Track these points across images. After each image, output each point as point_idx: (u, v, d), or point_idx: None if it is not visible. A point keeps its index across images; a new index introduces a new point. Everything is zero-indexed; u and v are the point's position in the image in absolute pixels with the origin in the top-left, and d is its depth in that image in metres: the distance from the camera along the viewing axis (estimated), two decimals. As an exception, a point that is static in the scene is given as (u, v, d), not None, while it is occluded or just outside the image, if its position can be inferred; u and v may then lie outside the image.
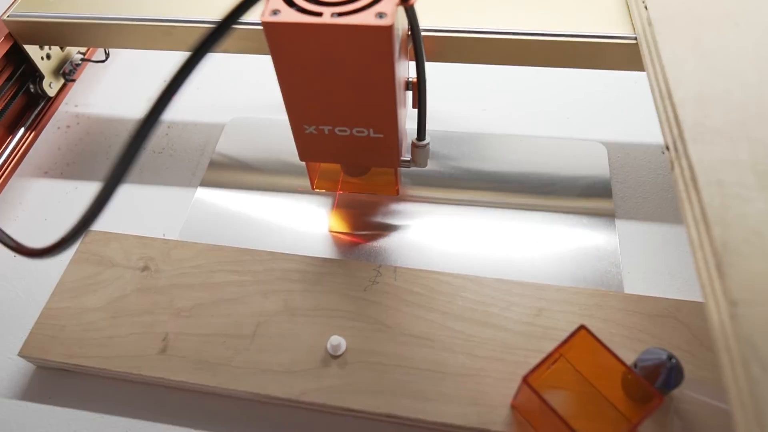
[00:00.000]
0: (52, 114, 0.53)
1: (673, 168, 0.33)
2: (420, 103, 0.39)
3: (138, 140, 0.26)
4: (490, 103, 0.55)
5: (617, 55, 0.42)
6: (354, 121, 0.37)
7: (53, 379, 0.40)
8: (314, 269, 0.42)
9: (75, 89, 0.58)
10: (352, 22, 0.31)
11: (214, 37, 0.25)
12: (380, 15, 0.31)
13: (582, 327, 0.33)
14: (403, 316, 0.39)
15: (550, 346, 0.37)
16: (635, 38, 0.41)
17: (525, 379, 0.31)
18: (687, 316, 0.38)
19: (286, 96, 0.36)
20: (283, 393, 0.36)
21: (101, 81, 0.60)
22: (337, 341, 0.37)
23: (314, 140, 0.39)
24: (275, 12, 0.32)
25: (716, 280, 0.27)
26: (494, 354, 0.37)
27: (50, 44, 0.49)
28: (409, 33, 0.36)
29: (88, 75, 0.60)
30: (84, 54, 0.55)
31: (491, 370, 0.37)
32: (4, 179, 0.48)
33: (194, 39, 0.45)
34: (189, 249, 0.43)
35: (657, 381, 0.32)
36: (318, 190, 0.48)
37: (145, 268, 0.43)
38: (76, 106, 0.58)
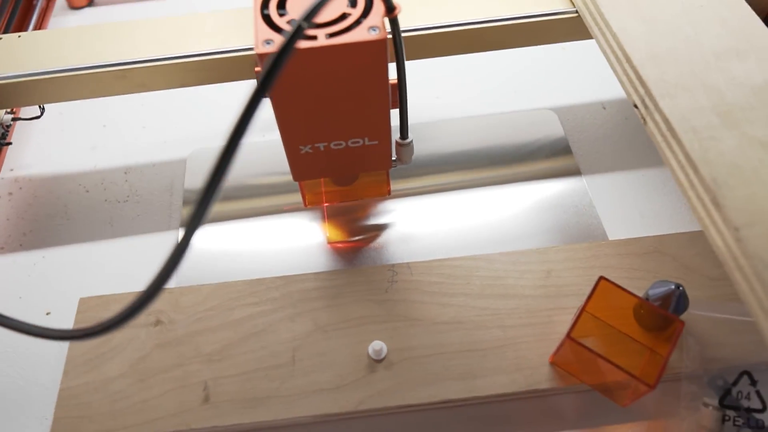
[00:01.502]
0: (-6, 184, 0.49)
1: (646, 122, 0.37)
2: (401, 103, 0.41)
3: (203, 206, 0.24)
4: (441, 90, 0.58)
5: (561, 29, 0.46)
6: (350, 133, 0.38)
7: (89, 460, 0.38)
8: (331, 283, 0.43)
9: (9, 153, 0.54)
10: (348, 40, 0.32)
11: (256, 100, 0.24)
12: (373, 29, 0.32)
13: (601, 278, 0.37)
14: (429, 307, 0.41)
15: (567, 302, 0.41)
16: (576, 11, 0.45)
17: (569, 336, 0.35)
18: (669, 248, 0.43)
19: (281, 120, 0.36)
20: (341, 408, 0.37)
21: (36, 139, 0.55)
22: (379, 346, 0.39)
23: (309, 159, 0.40)
24: (268, 42, 0.32)
25: (714, 213, 0.32)
26: (522, 321, 0.40)
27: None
28: (393, 37, 0.37)
29: (21, 135, 0.55)
30: (12, 113, 0.51)
31: (524, 335, 0.40)
32: (-36, 266, 0.44)
33: (150, 79, 0.44)
34: (197, 293, 0.42)
35: (670, 308, 0.37)
36: (308, 206, 0.48)
37: (158, 323, 0.41)
38: (11, 170, 0.53)
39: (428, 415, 0.39)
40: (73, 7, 0.68)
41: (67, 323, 0.43)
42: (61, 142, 0.55)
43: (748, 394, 0.36)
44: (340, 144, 0.39)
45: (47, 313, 0.44)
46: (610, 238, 0.46)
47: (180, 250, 0.24)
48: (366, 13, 0.33)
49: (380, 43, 0.32)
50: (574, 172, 0.51)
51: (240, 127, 0.24)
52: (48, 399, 0.40)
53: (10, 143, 0.50)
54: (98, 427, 0.37)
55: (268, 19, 0.33)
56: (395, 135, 0.43)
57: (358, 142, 0.39)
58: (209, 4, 0.68)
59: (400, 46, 0.37)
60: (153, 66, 0.43)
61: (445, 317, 0.41)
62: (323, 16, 0.32)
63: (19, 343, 0.43)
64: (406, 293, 0.42)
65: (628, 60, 0.38)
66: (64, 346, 0.42)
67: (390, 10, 0.33)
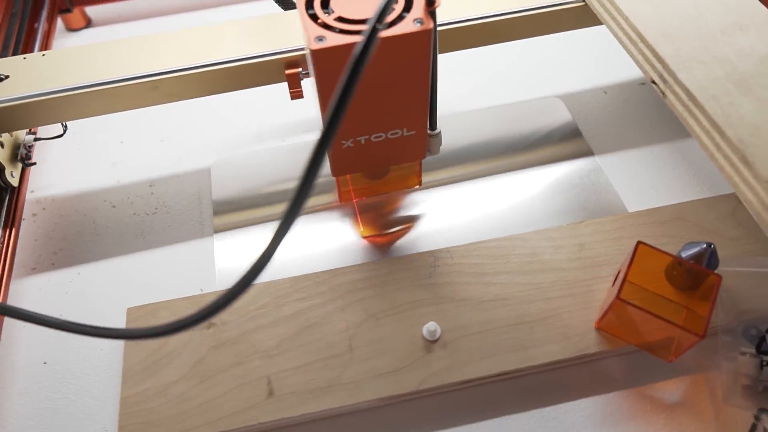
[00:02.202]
0: (23, 205, 0.49)
1: (665, 96, 0.40)
2: (432, 95, 0.43)
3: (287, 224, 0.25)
4: (450, 84, 0.60)
5: (569, 18, 0.49)
6: (391, 125, 0.40)
7: (155, 466, 0.38)
8: (376, 273, 0.44)
9: (33, 173, 0.53)
10: (396, 32, 0.34)
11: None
12: (417, 21, 0.34)
13: (639, 242, 0.39)
14: (474, 287, 0.43)
15: (603, 272, 0.43)
16: (584, 0, 0.48)
17: (618, 298, 0.37)
18: (688, 214, 0.46)
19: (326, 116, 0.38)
20: (403, 389, 0.38)
21: (48, 159, 0.55)
22: (433, 327, 0.40)
23: (349, 153, 0.41)
24: (320, 38, 0.34)
25: (744, 170, 0.34)
26: (563, 292, 0.42)
27: (14, 129, 0.45)
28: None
29: (43, 155, 0.55)
30: (33, 133, 0.51)
31: (567, 305, 0.42)
32: (5, 287, 0.43)
33: (180, 88, 0.44)
34: (246, 293, 0.43)
35: (703, 266, 0.39)
36: (334, 204, 0.50)
37: (211, 325, 0.41)
38: (32, 192, 0.53)
39: (485, 389, 0.40)
40: (71, 29, 0.68)
41: (115, 335, 0.43)
42: (79, 160, 0.55)
43: (782, 339, 0.39)
44: (380, 136, 0.40)
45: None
46: (629, 211, 0.49)
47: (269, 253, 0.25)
48: (408, 7, 0.35)
49: (426, 34, 0.34)
50: (587, 153, 0.53)
51: (331, 124, 0.25)
52: (104, 410, 0.40)
53: (34, 163, 0.50)
54: (166, 431, 0.37)
55: (314, 18, 0.35)
56: (424, 127, 0.45)
57: (396, 133, 0.40)
58: (204, 19, 0.69)
59: (435, 39, 0.39)
60: (183, 75, 0.44)
61: (490, 295, 0.42)
62: (369, 12, 0.34)
63: (68, 360, 0.43)
64: (450, 276, 0.43)
65: (643, 40, 0.41)
66: (113, 358, 0.42)
67: (430, 3, 0.35)
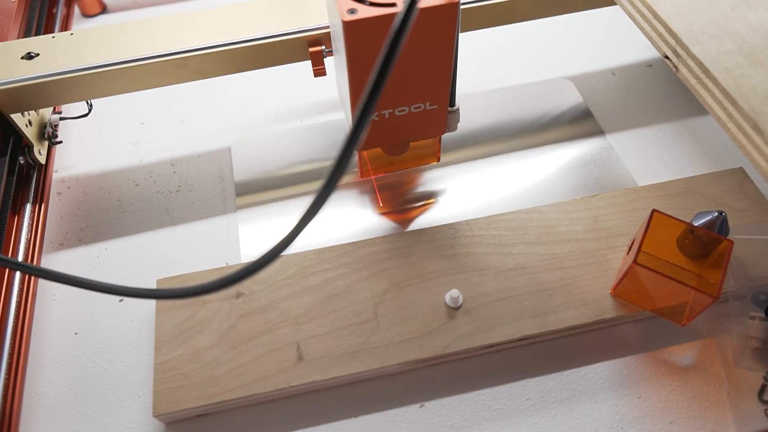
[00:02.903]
0: (50, 182, 0.50)
1: (678, 70, 0.41)
2: (453, 72, 0.44)
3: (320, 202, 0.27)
4: (469, 66, 0.61)
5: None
6: (415, 98, 0.41)
7: (191, 429, 0.39)
8: (398, 245, 0.45)
9: (58, 152, 0.54)
10: (426, 4, 0.35)
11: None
12: (445, -6, 0.35)
13: (654, 211, 0.41)
14: (494, 257, 0.44)
15: (617, 242, 0.45)
16: (596, -19, 0.49)
17: (635, 263, 0.38)
18: (697, 187, 0.48)
19: (354, 89, 0.39)
20: (429, 353, 0.40)
21: (72, 139, 0.56)
22: (456, 294, 0.41)
23: (373, 127, 0.42)
24: (352, 11, 0.35)
25: (756, 138, 0.36)
26: (580, 262, 0.44)
27: (43, 106, 0.46)
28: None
29: (67, 133, 0.56)
30: (58, 113, 0.52)
31: (583, 274, 0.43)
32: (38, 261, 0.44)
33: (208, 65, 0.45)
34: (271, 265, 0.44)
35: (715, 232, 0.41)
36: (353, 181, 0.51)
37: (239, 295, 0.43)
38: (56, 171, 0.54)
39: (507, 354, 0.42)
40: (87, 15, 0.69)
41: (141, 307, 0.44)
42: (101, 141, 0.56)
43: (790, 303, 0.40)
44: (404, 110, 0.42)
45: (120, 300, 0.45)
46: (640, 185, 0.50)
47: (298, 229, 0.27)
48: (434, -19, 0.36)
49: (454, 7, 0.35)
50: (597, 132, 0.55)
51: (374, 92, 0.26)
52: (136, 378, 0.41)
53: (60, 142, 0.51)
54: (201, 393, 0.38)
55: (345, -9, 0.36)
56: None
57: (420, 107, 0.42)
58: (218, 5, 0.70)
59: (458, 16, 0.41)
60: (210, 53, 0.45)
61: (510, 264, 0.44)
62: (397, -14, 0.35)
63: (99, 330, 0.44)
64: (470, 247, 0.45)
65: (656, 16, 0.43)
66: (143, 328, 0.44)
67: (455, -23, 0.36)
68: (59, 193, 0.52)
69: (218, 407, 0.39)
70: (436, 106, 0.42)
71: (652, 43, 0.44)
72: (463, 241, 0.45)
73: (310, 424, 0.39)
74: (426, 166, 0.52)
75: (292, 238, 0.28)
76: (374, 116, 0.41)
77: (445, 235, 0.46)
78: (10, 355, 0.40)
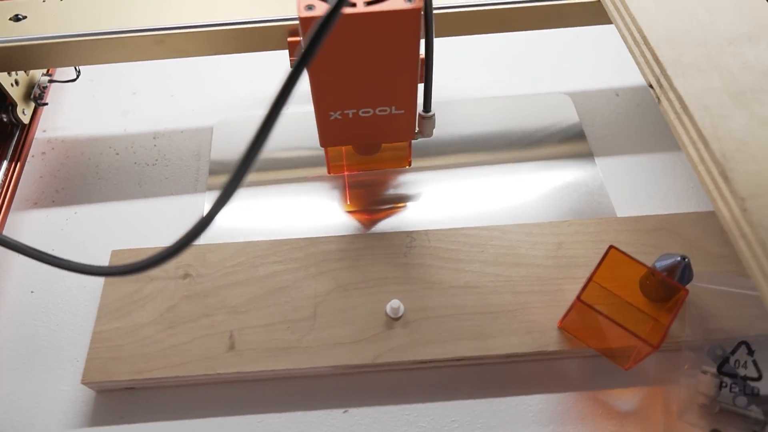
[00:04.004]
0: (31, 142, 0.51)
1: (660, 101, 0.39)
2: (427, 77, 0.43)
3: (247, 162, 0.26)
4: (459, 71, 0.60)
5: (581, 13, 0.48)
6: (378, 101, 0.40)
7: (118, 400, 0.40)
8: (352, 246, 0.45)
9: (45, 113, 0.56)
10: (385, 8, 0.34)
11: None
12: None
13: (611, 247, 0.39)
14: (445, 271, 0.43)
15: (577, 273, 0.43)
16: (596, -3, 0.47)
17: (579, 299, 0.37)
18: (676, 226, 0.45)
19: (314, 86, 0.38)
20: (359, 360, 0.39)
21: (64, 101, 0.58)
22: (396, 304, 0.41)
23: (337, 125, 0.42)
24: (310, 7, 0.34)
25: (722, 185, 0.34)
26: (533, 288, 0.42)
27: (26, 68, 0.47)
28: (424, 12, 0.39)
29: (56, 97, 0.57)
30: (49, 75, 0.53)
31: (534, 301, 0.42)
32: (3, 217, 0.46)
33: (186, 45, 0.46)
34: (224, 250, 0.44)
35: (675, 278, 0.39)
36: (324, 176, 0.50)
37: (186, 275, 0.43)
38: (44, 131, 0.55)
39: (442, 372, 0.41)
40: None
41: (99, 274, 0.45)
42: (92, 106, 0.57)
43: (745, 363, 0.38)
44: (368, 111, 0.41)
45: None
46: (618, 216, 0.48)
47: (211, 215, 0.26)
48: (402, -16, 0.35)
49: (415, 13, 0.34)
50: (586, 154, 0.53)
51: (283, 93, 0.25)
52: (79, 343, 0.43)
53: (46, 104, 0.52)
54: (129, 368, 0.39)
55: (308, -14, 0.35)
56: (418, 108, 0.45)
57: (385, 110, 0.41)
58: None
59: (430, 22, 0.39)
60: (190, 33, 0.45)
61: (460, 282, 0.43)
62: (362, -15, 0.34)
63: (54, 291, 0.45)
64: (424, 258, 0.44)
65: (646, 41, 0.40)
66: (95, 296, 0.44)
67: (425, -18, 0.34)
68: (43, 153, 0.54)
69: (146, 383, 0.40)
70: (402, 111, 0.41)
71: (639, 69, 0.41)
72: (419, 251, 0.44)
73: (234, 413, 0.40)
74: (403, 169, 0.51)
75: (196, 233, 0.28)
76: (337, 115, 0.41)
77: (402, 242, 0.45)
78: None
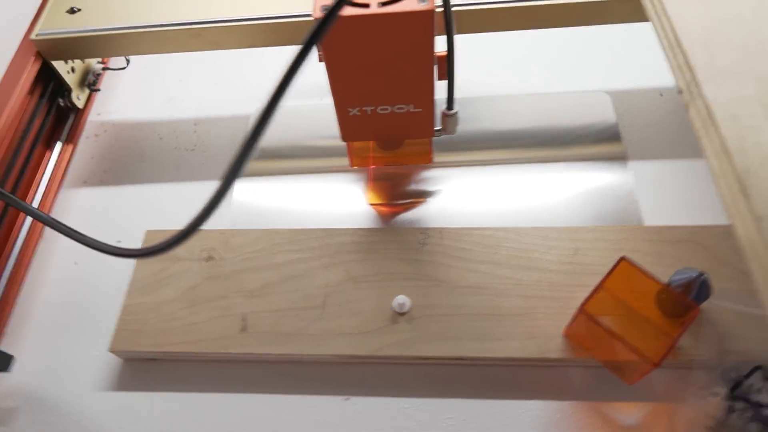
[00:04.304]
0: (83, 125, 0.55)
1: (688, 109, 0.37)
2: (449, 75, 0.43)
3: (250, 145, 0.28)
4: (498, 67, 0.59)
5: (620, 9, 0.46)
6: (396, 99, 0.40)
7: (141, 369, 0.44)
8: (367, 239, 0.46)
9: (98, 98, 0.60)
10: (398, 9, 0.34)
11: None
12: (422, 0, 0.34)
13: (623, 258, 0.38)
14: (455, 270, 0.43)
15: (590, 281, 0.42)
16: (635, -7, 0.44)
17: (582, 308, 0.36)
18: (705, 239, 0.43)
19: (333, 83, 0.39)
20: (361, 351, 0.41)
21: (117, 88, 0.62)
22: (402, 300, 0.41)
23: (357, 121, 0.42)
24: (326, 8, 0.35)
25: (741, 202, 0.32)
26: (542, 293, 0.42)
27: (80, 58, 0.51)
28: (443, 11, 0.39)
29: (108, 83, 0.61)
30: (103, 63, 0.57)
31: (542, 307, 0.41)
32: (54, 194, 0.50)
33: (222, 38, 0.48)
34: (247, 236, 0.47)
35: (690, 295, 0.37)
36: (351, 168, 0.51)
37: (210, 258, 0.46)
38: (98, 114, 0.60)
39: (443, 370, 0.41)
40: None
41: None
42: (142, 92, 0.61)
43: (760, 388, 0.36)
44: (386, 109, 0.41)
45: (118, 241, 0.50)
46: (646, 225, 0.46)
47: (219, 195, 0.28)
48: (417, -15, 0.35)
49: (428, 14, 0.34)
50: (619, 157, 0.51)
51: (283, 84, 0.27)
52: (112, 314, 0.46)
53: (98, 89, 0.56)
54: (151, 341, 0.42)
55: (325, -14, 0.36)
56: (442, 105, 0.45)
57: (403, 108, 0.41)
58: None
59: (450, 19, 0.39)
60: (225, 27, 0.47)
61: (469, 281, 0.43)
62: (378, -14, 0.35)
63: (96, 264, 0.49)
64: (436, 255, 0.44)
65: (679, 43, 0.38)
66: (129, 271, 0.48)
67: (440, -18, 0.34)
68: (96, 135, 0.58)
69: (166, 356, 0.43)
70: (420, 109, 0.41)
71: (672, 72, 0.39)
72: (431, 248, 0.45)
73: (242, 390, 0.42)
74: (429, 165, 0.52)
75: (191, 230, 0.30)
76: (356, 111, 0.42)
77: (415, 238, 0.45)
78: (14, 267, 0.46)
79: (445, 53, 0.41)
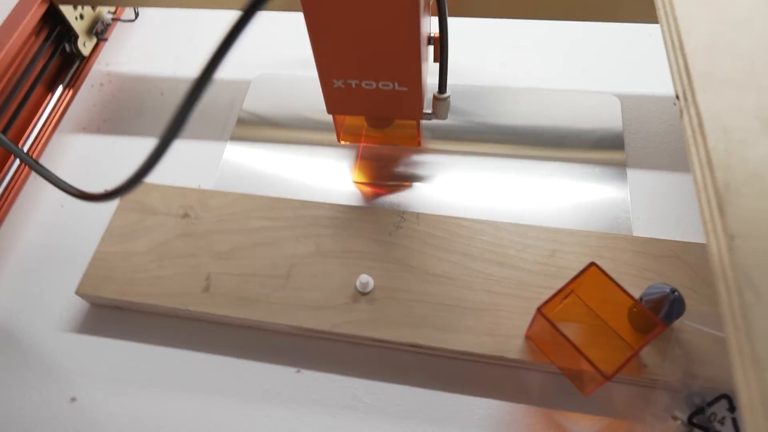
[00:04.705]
0: (87, 72, 0.56)
1: (682, 116, 0.35)
2: (442, 57, 0.41)
3: (192, 99, 0.28)
4: (507, 57, 0.57)
5: (634, 7, 0.43)
6: (380, 75, 0.39)
7: (106, 316, 0.44)
8: (342, 215, 0.45)
9: (105, 49, 0.61)
10: (382, -19, 0.33)
11: None
12: (408, -27, 0.33)
13: (592, 264, 0.36)
14: (426, 257, 0.42)
15: (562, 284, 0.40)
16: (650, -9, 0.42)
17: (539, 310, 0.35)
18: (691, 256, 0.41)
19: (316, 51, 0.38)
20: (317, 325, 0.40)
21: (129, 40, 0.62)
22: (366, 279, 0.41)
23: (342, 94, 0.42)
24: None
25: (717, 218, 0.30)
26: (510, 291, 0.40)
27: (86, 3, 0.51)
28: (434, -12, 0.37)
29: (117, 35, 0.62)
30: (113, 13, 0.57)
31: (507, 305, 0.40)
32: (48, 135, 0.51)
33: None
34: (225, 198, 0.47)
35: (661, 312, 0.35)
36: (342, 143, 0.51)
37: (185, 216, 0.46)
38: (107, 64, 0.60)
39: (400, 355, 0.41)
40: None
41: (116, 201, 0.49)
42: (151, 48, 0.61)
43: (723, 418, 0.34)
44: (371, 84, 0.40)
45: (105, 190, 0.51)
46: (633, 235, 0.44)
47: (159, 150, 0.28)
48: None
49: (410, -11, 0.33)
50: (619, 164, 0.48)
51: (225, 44, 0.26)
52: (88, 258, 0.47)
53: (106, 39, 0.57)
54: (116, 289, 0.43)
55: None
56: (433, 89, 0.44)
57: (388, 85, 0.40)
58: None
59: (443, 1, 0.38)
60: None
61: (438, 270, 0.42)
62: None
63: (82, 207, 0.50)
64: (408, 240, 0.43)
65: (681, 47, 0.36)
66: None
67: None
68: (101, 84, 0.59)
69: (129, 305, 0.43)
70: (406, 88, 0.40)
71: (672, 78, 0.37)
72: (406, 232, 0.44)
73: (199, 349, 0.42)
74: (419, 148, 0.50)
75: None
76: (340, 83, 0.41)
77: (392, 221, 0.44)
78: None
79: (438, 34, 0.40)
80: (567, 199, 0.47)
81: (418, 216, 0.44)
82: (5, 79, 0.47)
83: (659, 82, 0.53)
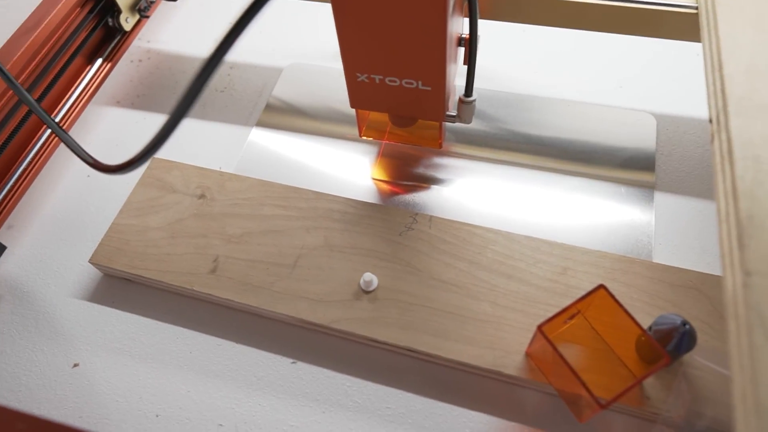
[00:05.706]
0: (127, 48, 0.57)
1: (712, 141, 0.33)
2: (470, 60, 0.41)
3: (202, 78, 0.28)
4: (542, 65, 0.55)
5: (677, 24, 0.42)
6: (404, 72, 0.39)
7: (117, 287, 0.45)
8: (355, 211, 0.45)
9: (147, 26, 0.62)
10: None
11: None
12: (438, -28, 0.32)
13: (601, 286, 0.34)
14: (433, 262, 0.42)
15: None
16: (696, 8, 0.40)
17: (540, 328, 0.34)
18: (711, 289, 0.39)
19: (342, 43, 0.38)
20: (316, 319, 0.40)
21: (171, 19, 0.63)
22: (370, 278, 0.40)
23: (365, 88, 0.41)
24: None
25: (736, 251, 0.28)
26: (516, 305, 0.39)
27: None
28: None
29: (160, 13, 0.63)
30: (158, -9, 0.58)
31: (511, 319, 0.39)
32: (83, 105, 0.53)
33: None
34: (242, 182, 0.47)
35: (669, 344, 0.34)
36: (365, 138, 0.50)
37: (202, 196, 0.46)
38: (148, 41, 0.61)
39: (395, 358, 0.40)
40: None
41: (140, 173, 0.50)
42: (191, 29, 0.62)
43: (725, 463, 0.32)
44: (395, 81, 0.40)
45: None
46: (654, 261, 0.42)
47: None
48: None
49: (438, -12, 0.32)
50: (647, 185, 0.46)
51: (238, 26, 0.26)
52: (106, 228, 0.48)
53: (148, 16, 0.58)
54: (127, 261, 0.43)
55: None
56: (460, 91, 0.43)
57: (411, 83, 0.40)
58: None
59: (474, 4, 0.37)
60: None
61: (444, 276, 0.41)
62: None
63: (109, 179, 0.51)
64: (418, 242, 0.43)
65: (720, 68, 0.34)
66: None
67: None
68: (140, 60, 0.60)
69: (138, 279, 0.44)
70: (429, 88, 0.40)
71: (708, 100, 0.35)
72: (416, 234, 0.43)
73: (201, 330, 0.43)
74: (442, 151, 0.50)
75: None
76: (364, 77, 0.40)
77: (404, 221, 0.44)
78: (28, 165, 0.49)
79: (468, 36, 0.39)
80: (587, 217, 0.45)
81: (430, 219, 0.44)
82: (46, 48, 0.48)
83: (700, 105, 0.51)
